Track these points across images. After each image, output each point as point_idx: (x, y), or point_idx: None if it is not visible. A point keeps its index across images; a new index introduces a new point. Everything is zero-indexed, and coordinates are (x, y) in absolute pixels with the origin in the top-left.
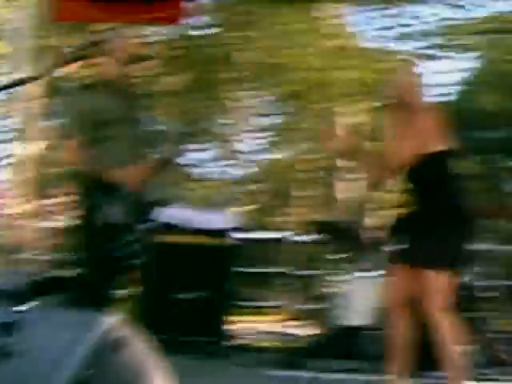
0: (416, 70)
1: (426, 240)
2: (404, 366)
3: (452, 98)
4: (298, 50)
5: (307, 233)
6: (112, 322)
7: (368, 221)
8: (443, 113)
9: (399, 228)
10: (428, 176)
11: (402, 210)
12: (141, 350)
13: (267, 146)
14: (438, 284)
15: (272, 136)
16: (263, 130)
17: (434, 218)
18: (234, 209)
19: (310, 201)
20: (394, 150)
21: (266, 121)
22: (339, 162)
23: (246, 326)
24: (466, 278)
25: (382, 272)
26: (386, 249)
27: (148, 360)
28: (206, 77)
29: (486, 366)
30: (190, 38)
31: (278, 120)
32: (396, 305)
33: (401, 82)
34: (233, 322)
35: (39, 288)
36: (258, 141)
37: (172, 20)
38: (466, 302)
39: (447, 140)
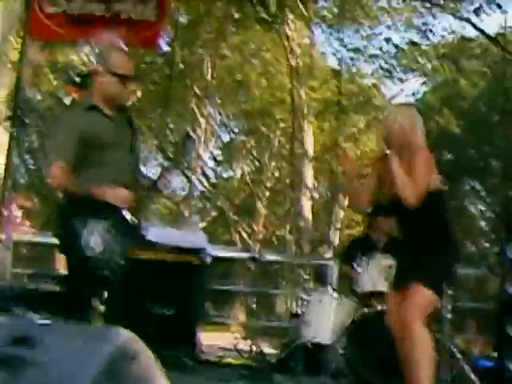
0: (415, 113)
1: (419, 257)
2: None
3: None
4: (264, 68)
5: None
6: (125, 335)
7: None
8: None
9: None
10: (427, 213)
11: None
12: (149, 361)
13: (231, 163)
14: (425, 299)
15: (236, 152)
16: (227, 146)
17: (427, 241)
18: (201, 224)
19: (275, 217)
20: (404, 188)
21: (229, 137)
22: (307, 180)
23: (213, 342)
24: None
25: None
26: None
27: (155, 370)
28: (171, 93)
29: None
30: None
31: (241, 137)
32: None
33: (403, 124)
34: (201, 338)
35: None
36: (221, 157)
37: (150, 43)
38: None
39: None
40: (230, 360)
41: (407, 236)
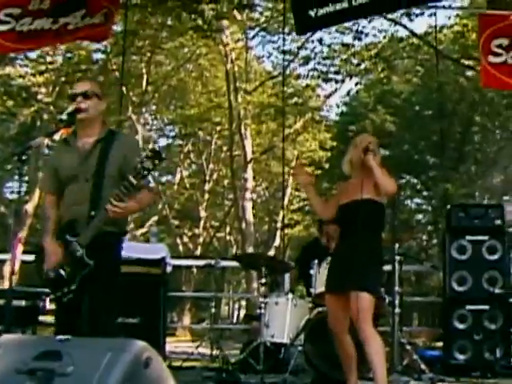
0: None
1: (358, 266)
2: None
3: (349, 117)
4: (200, 74)
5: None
6: (139, 344)
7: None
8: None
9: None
10: (367, 214)
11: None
12: (160, 365)
13: (169, 168)
14: (369, 304)
15: (173, 157)
16: (164, 152)
17: (360, 249)
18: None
19: (216, 219)
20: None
21: (167, 143)
22: (246, 182)
23: (177, 347)
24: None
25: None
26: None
27: (166, 373)
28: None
29: (402, 373)
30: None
31: (179, 142)
32: (336, 328)
33: (363, 142)
34: (166, 343)
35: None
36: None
37: (102, 36)
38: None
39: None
40: (193, 363)
41: (347, 242)
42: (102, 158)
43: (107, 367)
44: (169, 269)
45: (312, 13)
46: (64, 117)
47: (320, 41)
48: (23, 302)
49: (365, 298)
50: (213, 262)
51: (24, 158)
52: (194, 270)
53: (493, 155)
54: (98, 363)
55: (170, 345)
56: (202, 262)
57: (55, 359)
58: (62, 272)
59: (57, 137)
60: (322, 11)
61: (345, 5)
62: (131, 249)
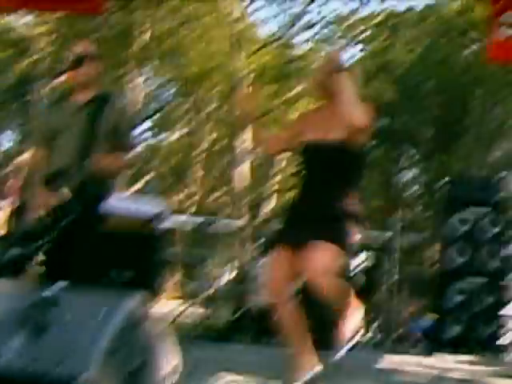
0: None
1: (307, 217)
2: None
3: None
4: (202, 33)
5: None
6: (135, 300)
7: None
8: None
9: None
10: (335, 162)
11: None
12: (153, 323)
13: (163, 127)
14: (327, 259)
15: (168, 117)
16: (159, 111)
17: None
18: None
19: (212, 179)
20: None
21: (166, 100)
22: (244, 143)
23: (167, 307)
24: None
25: None
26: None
27: (158, 330)
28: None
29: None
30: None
31: (178, 100)
32: (279, 285)
33: (334, 58)
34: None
35: None
36: (152, 122)
37: (97, 10)
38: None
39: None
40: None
41: (311, 191)
42: (92, 119)
43: (105, 317)
44: (165, 225)
45: None
46: (72, 58)
47: (323, 6)
48: (17, 250)
49: (329, 248)
50: (208, 221)
51: (26, 99)
52: (187, 228)
53: (492, 131)
54: (94, 317)
55: (161, 303)
56: (196, 221)
57: (50, 307)
58: (47, 218)
59: (61, 80)
60: None
61: None
62: (125, 202)
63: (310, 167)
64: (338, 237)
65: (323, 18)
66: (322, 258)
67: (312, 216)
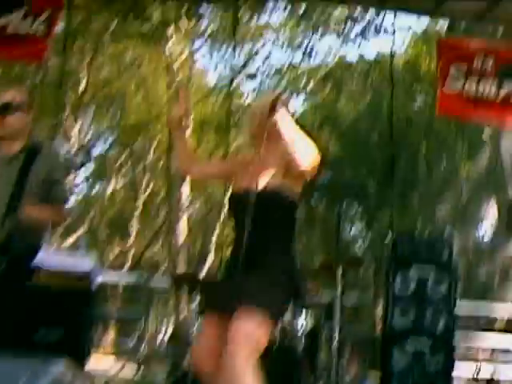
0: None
1: (247, 282)
2: None
3: None
4: (141, 82)
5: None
6: (62, 366)
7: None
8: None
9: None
10: (265, 215)
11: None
12: None
13: (98, 178)
14: (256, 328)
15: (105, 168)
16: (95, 161)
17: (260, 259)
18: (70, 240)
19: (148, 233)
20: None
21: (102, 151)
22: (182, 196)
23: (102, 366)
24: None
25: None
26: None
27: None
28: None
29: None
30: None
31: (115, 150)
32: (204, 356)
33: (268, 99)
34: (90, 361)
35: None
36: (87, 173)
37: (38, 56)
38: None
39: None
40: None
41: (241, 246)
42: (21, 171)
43: None
44: (97, 282)
45: None
46: None
47: (267, 57)
48: None
49: (250, 317)
50: (144, 278)
51: None
52: (122, 284)
53: (438, 186)
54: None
55: (93, 363)
56: (132, 278)
57: None
58: None
59: None
60: None
61: None
62: (58, 259)
63: (238, 221)
64: (266, 301)
65: (267, 68)
66: (243, 329)
67: (240, 278)
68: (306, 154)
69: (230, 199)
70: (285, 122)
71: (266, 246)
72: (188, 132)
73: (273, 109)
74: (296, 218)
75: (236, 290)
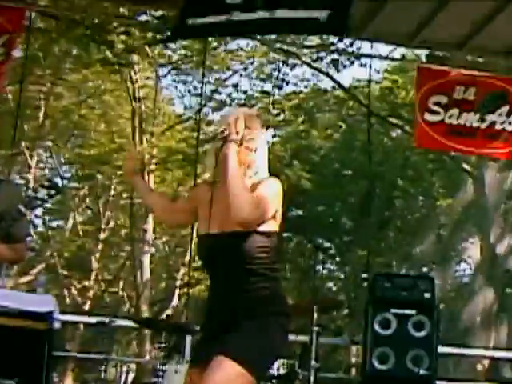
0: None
1: (211, 327)
2: None
3: None
4: (104, 111)
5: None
6: None
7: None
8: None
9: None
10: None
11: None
12: None
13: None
14: (234, 379)
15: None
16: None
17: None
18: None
19: (109, 272)
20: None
21: (61, 184)
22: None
23: None
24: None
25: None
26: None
27: None
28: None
29: None
30: None
31: (75, 184)
32: None
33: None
34: None
35: None
36: (45, 208)
37: None
38: None
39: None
40: None
41: (218, 292)
42: None
43: None
44: (56, 325)
45: (189, 21)
46: None
47: (236, 85)
48: None
49: (228, 368)
50: (106, 319)
51: None
52: (81, 326)
53: (414, 223)
54: None
55: None
56: (93, 319)
57: None
58: None
59: None
60: (199, 21)
61: (223, 18)
62: (13, 298)
63: (209, 265)
64: (245, 351)
65: (235, 99)
66: (212, 380)
67: (215, 325)
68: (239, 205)
69: (199, 245)
70: (226, 164)
71: (247, 291)
72: (152, 165)
73: (222, 139)
74: (275, 247)
75: (210, 338)
